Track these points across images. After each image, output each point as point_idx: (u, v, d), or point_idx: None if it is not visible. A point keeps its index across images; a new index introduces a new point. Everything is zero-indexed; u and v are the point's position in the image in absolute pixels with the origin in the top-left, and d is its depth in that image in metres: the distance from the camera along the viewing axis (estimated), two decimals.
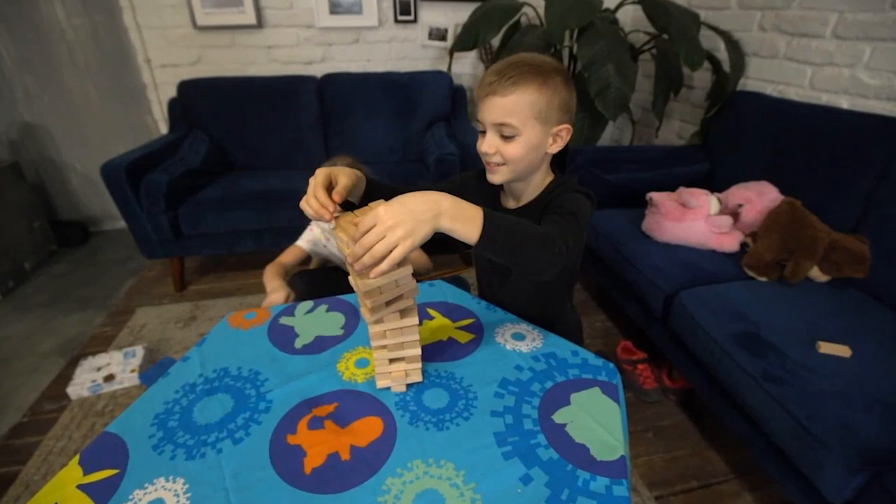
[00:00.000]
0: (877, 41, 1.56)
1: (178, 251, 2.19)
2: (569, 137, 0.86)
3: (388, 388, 0.80)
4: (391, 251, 0.59)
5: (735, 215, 1.63)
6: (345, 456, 0.68)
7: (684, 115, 2.50)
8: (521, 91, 0.79)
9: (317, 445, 0.70)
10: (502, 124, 0.81)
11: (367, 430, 0.72)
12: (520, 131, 0.81)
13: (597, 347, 1.87)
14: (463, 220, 0.63)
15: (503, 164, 0.85)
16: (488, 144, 0.84)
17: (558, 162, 0.93)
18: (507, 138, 0.82)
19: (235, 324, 1.01)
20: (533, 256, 0.69)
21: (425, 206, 0.61)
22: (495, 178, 0.88)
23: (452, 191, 0.97)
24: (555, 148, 0.86)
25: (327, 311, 1.05)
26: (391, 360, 0.78)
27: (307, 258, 1.56)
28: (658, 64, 2.12)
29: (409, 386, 0.81)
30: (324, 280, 1.53)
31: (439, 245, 1.15)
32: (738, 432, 1.25)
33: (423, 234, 0.60)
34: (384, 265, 0.60)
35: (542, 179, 0.92)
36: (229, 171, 2.48)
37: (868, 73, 1.60)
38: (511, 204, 0.97)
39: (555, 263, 0.71)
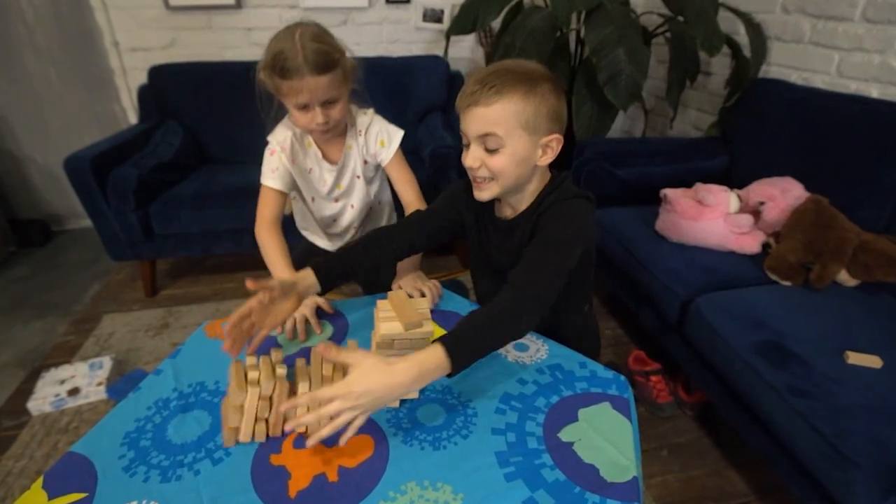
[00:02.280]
0: None
1: (150, 253, 2.19)
2: (559, 148, 0.87)
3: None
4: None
5: (756, 214, 1.63)
6: (332, 477, 0.68)
7: (701, 105, 2.51)
8: (505, 99, 0.79)
9: (302, 466, 0.70)
10: (486, 135, 0.82)
11: (357, 449, 0.72)
12: (504, 142, 0.82)
13: (607, 357, 1.87)
14: (431, 376, 0.71)
15: (491, 180, 0.87)
16: (472, 158, 0.86)
17: (562, 156, 0.93)
18: (491, 151, 0.84)
19: (213, 333, 1.00)
20: (509, 338, 0.81)
21: (391, 393, 0.69)
22: (483, 195, 0.90)
23: (442, 212, 1.05)
24: (545, 160, 0.87)
25: None
26: None
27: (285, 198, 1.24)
28: (673, 48, 2.13)
29: (402, 401, 0.81)
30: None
31: (436, 244, 1.15)
32: (761, 450, 1.25)
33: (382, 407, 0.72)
34: (325, 431, 0.66)
35: (537, 186, 0.93)
36: (205, 165, 2.48)
37: None
38: (507, 213, 0.98)
39: (531, 324, 0.79)
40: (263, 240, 1.19)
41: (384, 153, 1.25)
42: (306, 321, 1.02)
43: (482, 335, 0.76)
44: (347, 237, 1.43)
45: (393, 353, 0.79)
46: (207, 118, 2.47)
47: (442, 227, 1.07)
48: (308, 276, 0.94)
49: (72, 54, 2.60)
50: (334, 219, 1.37)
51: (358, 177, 1.30)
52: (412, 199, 1.24)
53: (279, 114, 1.19)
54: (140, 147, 2.23)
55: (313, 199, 1.32)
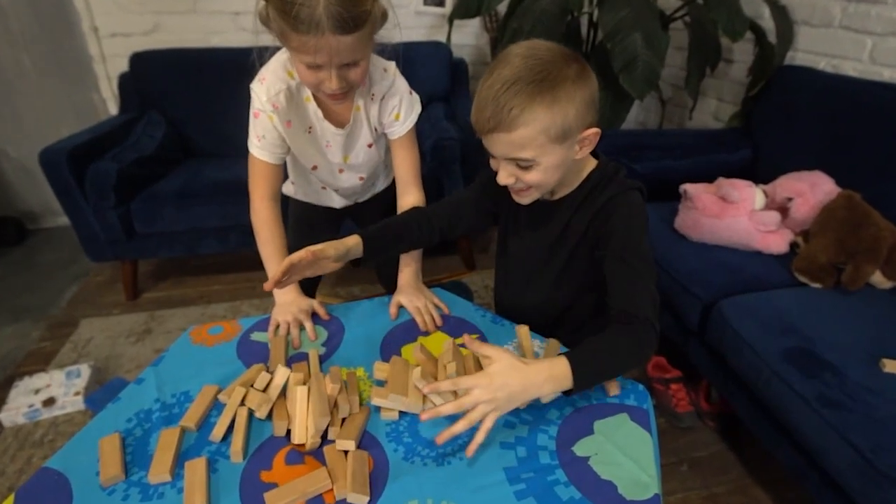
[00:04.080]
0: None
1: (131, 253, 2.18)
2: (598, 138, 0.85)
3: (378, 415, 0.80)
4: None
5: (784, 211, 1.63)
6: (327, 495, 0.67)
7: (722, 94, 2.50)
8: (528, 120, 0.76)
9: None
10: (514, 159, 0.82)
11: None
12: (537, 160, 0.81)
13: None
14: (558, 384, 0.74)
15: (529, 188, 0.87)
16: (505, 176, 0.86)
17: None
18: (524, 168, 0.83)
19: (199, 339, 1.00)
20: (632, 366, 0.81)
21: (525, 391, 0.72)
22: (524, 201, 0.91)
23: (477, 203, 1.06)
24: (583, 153, 0.86)
25: None
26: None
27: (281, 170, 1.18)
28: (692, 34, 2.12)
29: (401, 413, 0.80)
30: (307, 230, 1.40)
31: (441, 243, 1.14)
32: (789, 465, 1.25)
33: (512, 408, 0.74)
34: (460, 426, 0.69)
35: (579, 171, 0.94)
36: (190, 159, 2.48)
37: None
38: (547, 196, 0.97)
39: (652, 352, 0.81)
40: (258, 226, 1.13)
41: (396, 128, 1.16)
42: (301, 326, 1.02)
43: (606, 361, 0.78)
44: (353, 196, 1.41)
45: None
46: (193, 109, 2.47)
47: (477, 216, 1.09)
48: (354, 240, 0.96)
49: (47, 40, 2.60)
50: (336, 188, 1.33)
51: (370, 145, 1.20)
52: (410, 183, 1.19)
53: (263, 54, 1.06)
54: (120, 139, 2.22)
55: (315, 168, 1.22)
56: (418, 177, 1.20)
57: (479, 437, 0.70)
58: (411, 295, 1.08)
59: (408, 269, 1.15)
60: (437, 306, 1.07)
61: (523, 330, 0.95)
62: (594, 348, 0.77)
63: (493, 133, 0.79)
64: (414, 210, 1.10)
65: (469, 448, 0.70)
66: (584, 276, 0.99)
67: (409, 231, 1.05)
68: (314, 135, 1.15)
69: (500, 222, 1.10)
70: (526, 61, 0.77)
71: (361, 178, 1.30)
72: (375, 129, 1.18)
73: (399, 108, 1.14)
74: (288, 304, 1.06)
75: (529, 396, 0.74)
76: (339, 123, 1.14)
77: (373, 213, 1.40)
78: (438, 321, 1.04)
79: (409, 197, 1.19)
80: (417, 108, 1.19)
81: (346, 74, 0.95)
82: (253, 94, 1.07)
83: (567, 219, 0.95)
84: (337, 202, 1.41)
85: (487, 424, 0.69)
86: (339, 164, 1.23)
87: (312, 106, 1.10)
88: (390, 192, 1.28)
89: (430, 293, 1.11)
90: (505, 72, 0.77)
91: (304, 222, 1.45)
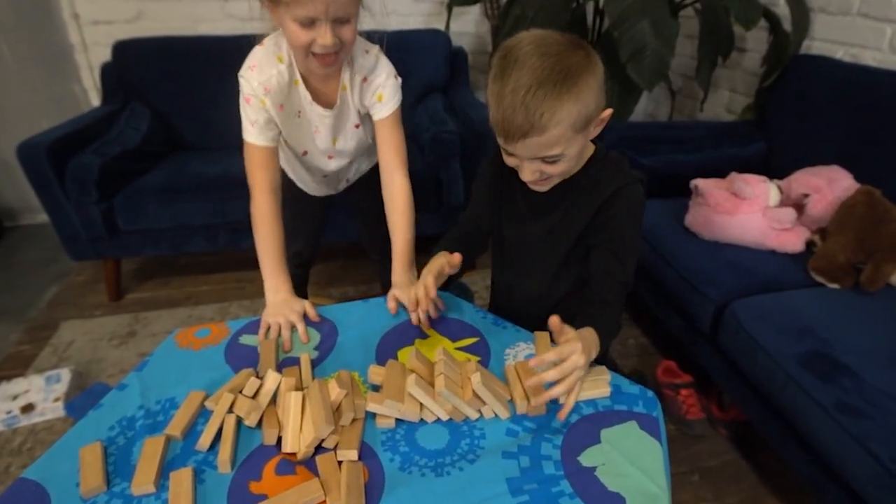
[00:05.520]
0: None
1: (114, 251, 2.18)
2: (609, 116, 0.90)
3: (374, 422, 0.79)
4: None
5: (799, 208, 1.63)
6: None
7: (735, 85, 2.50)
8: (558, 119, 0.79)
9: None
10: (543, 157, 0.85)
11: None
12: (564, 153, 0.85)
13: (630, 369, 1.86)
14: (596, 349, 0.82)
15: (550, 177, 0.91)
16: (530, 173, 0.89)
17: None
18: (550, 162, 0.86)
19: (185, 342, 1.00)
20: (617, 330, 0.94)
21: (590, 354, 0.79)
22: (543, 188, 0.95)
23: (487, 193, 1.09)
24: (596, 132, 0.90)
25: None
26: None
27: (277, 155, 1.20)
28: (703, 21, 2.11)
29: (398, 420, 0.80)
30: (300, 214, 1.45)
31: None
32: (805, 475, 1.25)
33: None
34: (560, 389, 0.76)
35: (582, 156, 0.96)
36: (176, 152, 2.47)
37: None
38: None
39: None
40: (257, 221, 1.13)
41: (379, 109, 1.19)
42: (292, 328, 1.02)
43: (613, 325, 0.91)
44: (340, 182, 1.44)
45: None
46: (179, 100, 2.46)
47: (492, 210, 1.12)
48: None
49: (26, 28, 2.59)
50: (325, 174, 1.36)
51: (357, 126, 1.24)
52: (396, 167, 1.21)
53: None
54: (103, 132, 2.21)
55: (305, 153, 1.26)
56: (404, 161, 1.22)
57: (572, 400, 0.78)
58: (407, 288, 1.09)
59: (402, 259, 1.17)
60: (433, 301, 1.07)
61: (544, 338, 0.95)
62: (608, 321, 0.89)
63: (525, 139, 0.81)
64: (459, 232, 1.14)
65: (562, 412, 0.77)
66: (582, 267, 1.02)
67: (475, 239, 1.14)
68: (304, 119, 1.18)
69: (495, 212, 1.11)
70: (543, 60, 0.78)
71: (352, 161, 1.33)
72: (359, 111, 1.22)
73: (382, 88, 1.17)
74: (279, 304, 1.06)
75: (590, 358, 0.80)
76: (328, 104, 1.18)
77: (359, 193, 1.49)
78: (434, 314, 1.04)
79: (396, 181, 1.21)
80: (400, 91, 1.22)
81: (339, 31, 0.99)
82: (242, 81, 1.10)
83: (570, 205, 0.99)
84: (322, 192, 1.46)
85: (572, 400, 0.78)
86: (327, 150, 1.26)
87: (301, 89, 1.13)
88: (375, 174, 1.30)
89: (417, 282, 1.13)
90: (525, 75, 0.78)
91: (298, 200, 1.46)
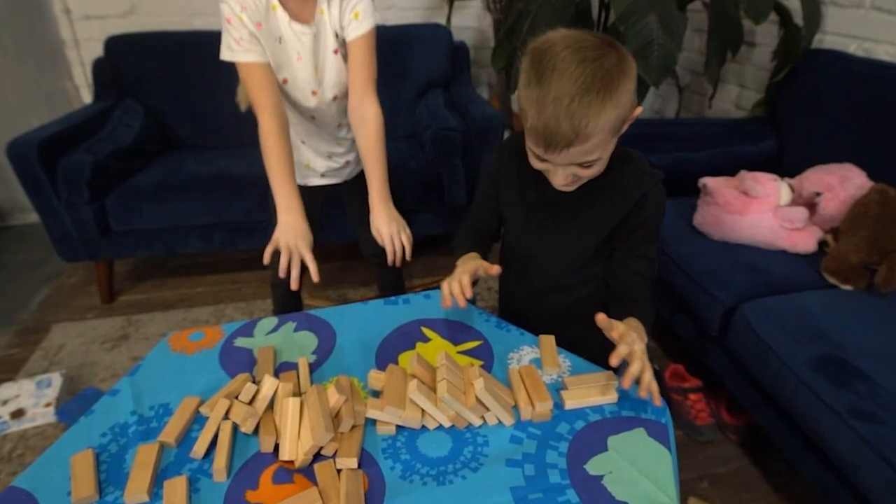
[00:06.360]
0: None
1: (106, 252, 2.18)
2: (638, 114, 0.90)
3: (374, 429, 0.79)
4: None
5: (811, 207, 1.62)
6: None
7: (745, 80, 2.49)
8: (601, 127, 0.80)
9: None
10: (581, 163, 0.86)
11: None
12: (600, 157, 0.86)
13: None
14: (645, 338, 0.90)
15: (580, 179, 0.92)
16: (563, 178, 0.90)
17: None
18: (586, 167, 0.87)
19: (178, 346, 1.00)
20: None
21: (644, 339, 0.88)
22: (571, 188, 0.95)
23: (490, 190, 1.14)
24: (625, 128, 0.90)
25: (295, 330, 1.04)
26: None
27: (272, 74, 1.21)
28: (712, 15, 2.11)
29: (399, 427, 0.80)
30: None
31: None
32: (818, 482, 1.24)
33: None
34: (637, 366, 0.80)
35: None
36: (170, 151, 2.47)
37: None
38: None
39: None
40: (262, 140, 1.16)
41: (355, 28, 1.20)
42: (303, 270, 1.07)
43: (647, 314, 0.96)
44: (342, 154, 1.45)
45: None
46: (173, 96, 2.47)
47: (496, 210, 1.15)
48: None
49: (16, 23, 2.59)
50: (312, 115, 1.35)
51: (335, 51, 1.25)
52: (367, 91, 1.23)
53: None
54: (95, 130, 2.22)
55: (286, 81, 1.27)
56: (374, 87, 1.25)
57: (649, 375, 0.80)
58: (383, 221, 1.20)
59: (380, 187, 1.22)
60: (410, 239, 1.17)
61: (549, 341, 0.96)
62: (648, 315, 0.96)
63: (570, 148, 0.81)
64: (471, 217, 1.18)
65: (643, 389, 0.81)
66: (602, 266, 1.05)
67: (488, 237, 1.18)
68: (285, 46, 1.20)
69: (508, 215, 1.12)
70: (584, 67, 0.77)
71: (335, 98, 1.32)
72: (337, 35, 1.23)
73: (358, 5, 1.20)
74: (291, 225, 1.12)
75: None
76: (306, 21, 1.20)
77: (355, 192, 1.50)
78: (409, 254, 1.15)
79: (367, 106, 1.24)
80: (375, 19, 1.23)
81: None
82: (222, 5, 1.12)
83: (594, 206, 1.00)
84: (320, 166, 1.46)
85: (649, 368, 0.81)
86: (310, 83, 1.27)
87: (280, 12, 1.16)
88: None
89: (400, 218, 1.23)
90: (567, 83, 0.77)
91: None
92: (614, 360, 0.79)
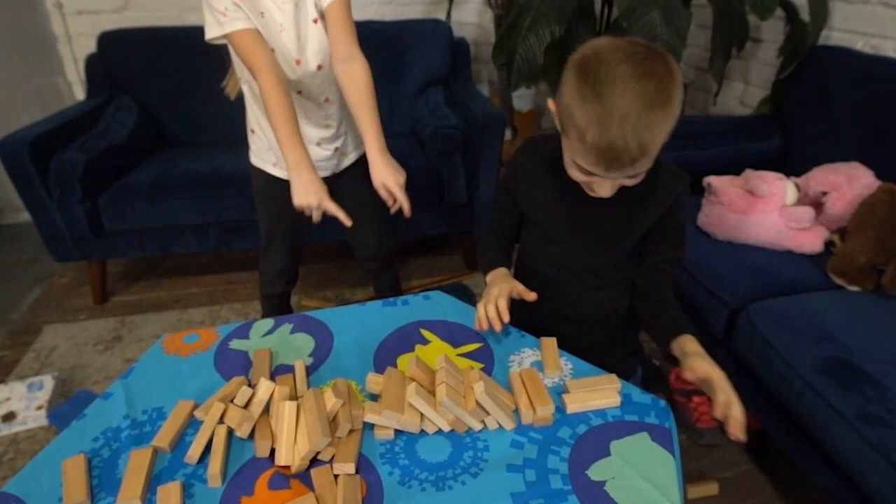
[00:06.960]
0: None
1: (99, 252, 2.18)
2: None
3: (372, 433, 0.79)
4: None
5: (818, 206, 1.62)
6: None
7: (750, 77, 2.49)
8: (661, 140, 0.81)
9: None
10: (634, 175, 0.85)
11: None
12: (648, 166, 0.85)
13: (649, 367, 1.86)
14: None
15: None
16: (610, 189, 0.89)
17: None
18: (633, 177, 0.86)
19: (172, 348, 1.00)
20: None
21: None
22: (606, 195, 0.93)
23: (510, 187, 1.12)
24: None
25: (292, 332, 1.04)
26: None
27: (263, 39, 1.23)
28: (717, 11, 2.11)
29: (397, 432, 0.80)
30: (276, 209, 1.47)
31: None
32: (824, 487, 1.24)
33: None
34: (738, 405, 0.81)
35: None
36: (164, 148, 2.47)
37: None
38: None
39: None
40: (265, 97, 1.17)
41: None
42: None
43: (682, 313, 0.99)
44: (330, 139, 1.44)
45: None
46: (167, 93, 2.46)
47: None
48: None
49: (6, 18, 2.59)
50: (299, 90, 1.35)
51: (315, 20, 1.26)
52: (354, 53, 1.25)
53: None
54: (88, 127, 2.21)
55: (272, 51, 1.28)
56: (358, 44, 1.27)
57: (738, 409, 0.79)
58: (388, 171, 1.23)
59: (376, 139, 1.25)
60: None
61: (550, 343, 0.96)
62: (684, 321, 0.97)
63: (633, 165, 0.80)
64: (491, 236, 1.19)
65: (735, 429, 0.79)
66: (630, 270, 1.06)
67: (511, 246, 1.19)
68: (268, 19, 1.21)
69: (535, 221, 1.10)
70: (644, 83, 0.76)
71: (320, 67, 1.32)
72: (315, 4, 1.24)
73: None
74: (306, 184, 1.17)
75: None
76: None
77: (346, 190, 1.47)
78: (406, 210, 1.20)
79: (355, 59, 1.25)
80: None
81: None
82: None
83: (626, 211, 0.98)
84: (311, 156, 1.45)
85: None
86: (293, 53, 1.28)
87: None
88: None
89: (399, 167, 1.26)
90: (629, 100, 0.75)
91: (276, 199, 1.45)
92: (718, 413, 0.80)
